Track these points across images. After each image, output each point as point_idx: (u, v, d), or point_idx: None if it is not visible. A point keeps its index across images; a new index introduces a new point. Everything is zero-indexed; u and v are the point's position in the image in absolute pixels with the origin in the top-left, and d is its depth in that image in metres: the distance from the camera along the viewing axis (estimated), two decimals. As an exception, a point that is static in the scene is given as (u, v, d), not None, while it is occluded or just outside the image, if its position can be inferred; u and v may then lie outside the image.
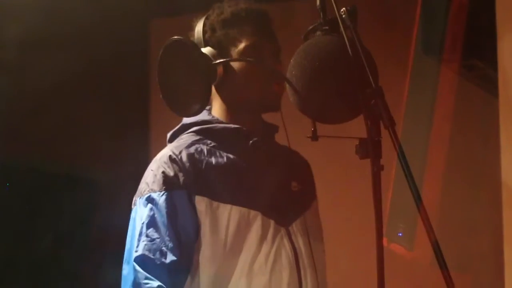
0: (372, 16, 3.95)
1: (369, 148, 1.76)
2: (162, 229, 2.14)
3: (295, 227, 2.23)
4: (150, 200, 2.18)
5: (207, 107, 2.34)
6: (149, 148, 4.69)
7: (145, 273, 2.09)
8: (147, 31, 4.81)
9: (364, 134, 1.77)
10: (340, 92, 1.85)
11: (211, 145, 2.26)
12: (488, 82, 3.71)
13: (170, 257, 2.12)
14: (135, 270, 2.11)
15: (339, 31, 1.86)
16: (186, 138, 2.30)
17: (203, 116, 2.31)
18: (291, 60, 1.94)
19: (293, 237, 2.21)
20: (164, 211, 2.15)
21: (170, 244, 2.13)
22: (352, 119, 1.90)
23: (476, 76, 3.85)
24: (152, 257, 2.11)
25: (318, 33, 1.95)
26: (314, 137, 1.96)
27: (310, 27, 1.97)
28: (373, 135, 1.76)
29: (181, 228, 2.15)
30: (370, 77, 1.79)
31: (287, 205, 2.24)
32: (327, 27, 1.93)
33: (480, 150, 3.98)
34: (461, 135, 4.06)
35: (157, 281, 2.08)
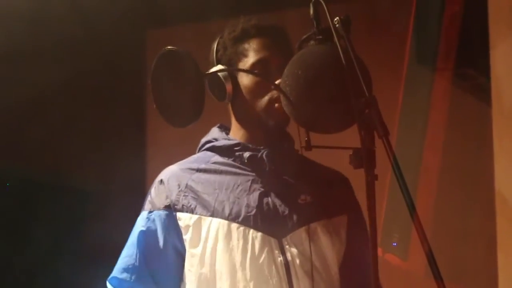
0: (365, 26, 3.96)
1: (363, 158, 1.75)
2: (131, 248, 2.24)
3: (292, 237, 2.22)
4: (137, 220, 2.28)
5: (226, 129, 2.38)
6: (145, 158, 4.69)
7: None
8: (143, 41, 4.81)
9: (358, 144, 1.77)
10: (333, 102, 1.85)
11: (212, 162, 2.29)
12: (481, 91, 3.72)
13: (134, 275, 2.21)
14: None
15: (332, 40, 1.86)
16: (196, 156, 2.36)
17: (214, 133, 2.36)
18: (285, 70, 1.94)
19: (286, 248, 2.20)
20: (138, 230, 2.24)
21: (135, 263, 2.22)
22: (346, 128, 1.90)
23: (469, 84, 3.86)
24: (120, 276, 2.22)
25: (312, 42, 1.95)
26: (308, 147, 1.95)
27: (304, 37, 1.97)
28: (367, 145, 1.76)
29: (151, 247, 2.22)
30: (364, 87, 1.78)
31: (285, 217, 2.23)
32: (320, 37, 1.93)
33: (473, 159, 3.98)
34: (455, 143, 4.06)
35: None
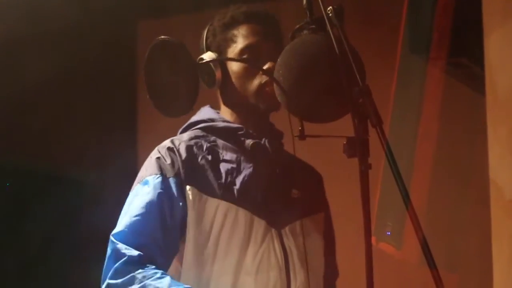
0: (358, 15, 3.95)
1: (357, 147, 1.75)
2: (148, 208, 2.15)
3: (289, 229, 2.23)
4: (145, 183, 2.20)
5: (217, 111, 2.36)
6: (136, 149, 4.68)
7: (124, 244, 2.10)
8: (135, 33, 4.80)
9: (351, 133, 1.77)
10: (327, 91, 1.85)
11: (212, 143, 2.27)
12: (475, 80, 3.71)
13: (147, 237, 2.13)
14: (112, 242, 2.12)
15: (325, 30, 1.86)
16: (190, 133, 2.31)
17: (210, 113, 2.34)
18: (278, 60, 1.94)
19: (284, 239, 2.21)
20: (153, 192, 2.16)
21: (152, 223, 2.14)
22: (340, 118, 1.90)
23: (463, 74, 3.86)
24: (130, 233, 2.12)
25: (305, 32, 1.95)
26: (302, 136, 1.96)
27: (297, 26, 1.97)
28: (361, 134, 1.76)
29: (167, 211, 2.16)
30: (357, 76, 1.79)
31: (283, 209, 2.24)
32: (313, 26, 1.93)
33: (467, 148, 3.98)
34: (449, 133, 4.06)
35: (136, 251, 2.09)
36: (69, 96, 4.43)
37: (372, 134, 1.75)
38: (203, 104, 2.38)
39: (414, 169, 3.93)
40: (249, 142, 2.25)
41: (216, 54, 2.28)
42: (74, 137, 4.41)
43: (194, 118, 2.35)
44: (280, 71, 1.92)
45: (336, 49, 1.81)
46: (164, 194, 2.16)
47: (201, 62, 2.24)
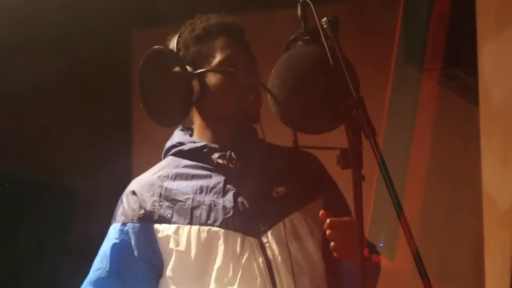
0: (353, 26, 3.96)
1: (351, 158, 1.75)
2: (104, 260, 2.20)
3: (272, 234, 2.20)
4: (108, 231, 2.25)
5: (188, 131, 2.35)
6: (131, 157, 4.68)
7: None
8: (129, 42, 4.81)
9: (345, 144, 1.77)
10: (321, 102, 1.85)
11: (181, 166, 2.26)
12: (469, 91, 3.72)
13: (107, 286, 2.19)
14: None
15: (320, 41, 1.86)
16: (163, 162, 2.32)
17: (179, 137, 2.32)
18: (272, 70, 1.93)
19: (266, 246, 2.19)
20: (108, 243, 2.21)
21: (108, 276, 2.18)
22: (334, 129, 1.90)
23: (457, 85, 3.87)
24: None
25: (299, 43, 1.95)
26: (295, 147, 1.95)
27: (291, 37, 1.97)
28: (355, 145, 1.76)
29: (124, 259, 2.19)
30: (351, 87, 1.79)
31: (262, 213, 2.22)
32: (308, 37, 1.93)
33: (461, 159, 3.99)
34: (442, 144, 4.07)
35: None
36: (64, 104, 4.43)
37: (366, 146, 1.75)
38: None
39: (408, 180, 3.94)
40: (214, 157, 2.24)
41: (191, 68, 2.23)
42: (68, 145, 4.41)
43: (167, 144, 2.34)
44: (274, 82, 1.92)
45: (330, 60, 1.82)
46: (126, 243, 2.20)
47: (194, 72, 2.22)
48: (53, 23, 3.89)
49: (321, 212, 2.07)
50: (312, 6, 1.88)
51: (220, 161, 2.22)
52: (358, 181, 1.75)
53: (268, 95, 1.94)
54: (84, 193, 4.59)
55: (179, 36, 2.29)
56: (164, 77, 2.19)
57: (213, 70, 2.22)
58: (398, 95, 3.91)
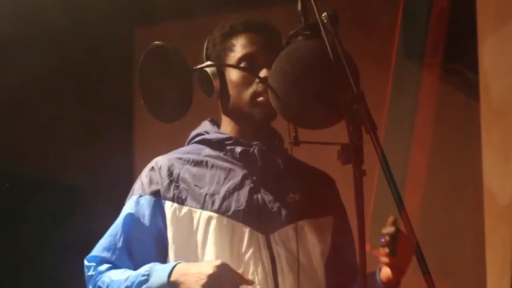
0: (353, 21, 3.96)
1: (351, 154, 1.75)
2: (116, 228, 2.26)
3: (280, 234, 2.23)
4: (125, 204, 2.29)
5: (216, 124, 2.40)
6: (132, 153, 4.68)
7: (87, 261, 2.24)
8: (131, 39, 4.81)
9: (346, 139, 1.77)
10: (321, 97, 1.85)
11: (203, 155, 2.30)
12: (469, 86, 3.73)
13: (115, 255, 2.22)
14: (85, 266, 2.24)
15: (320, 36, 1.86)
16: (187, 147, 2.37)
17: (206, 126, 2.37)
18: (273, 66, 1.94)
19: (273, 244, 2.21)
20: (125, 212, 2.26)
21: (118, 243, 2.23)
22: (334, 124, 1.90)
23: (457, 80, 3.87)
24: (100, 255, 2.24)
25: (300, 38, 1.95)
26: (296, 142, 1.96)
27: (292, 32, 1.97)
28: (355, 140, 1.76)
29: (136, 230, 2.24)
30: (352, 82, 1.78)
31: (275, 213, 2.24)
32: (308, 32, 1.93)
33: (461, 154, 3.99)
34: (443, 138, 4.07)
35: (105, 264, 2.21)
36: (65, 101, 4.42)
37: (367, 141, 1.75)
38: (205, 113, 2.39)
39: (408, 175, 3.93)
40: (237, 150, 2.27)
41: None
42: (70, 141, 4.41)
43: (193, 132, 2.39)
44: (274, 77, 1.92)
45: (331, 55, 1.82)
46: (134, 214, 2.24)
47: (195, 67, 2.24)
48: (55, 20, 3.89)
49: (391, 218, 2.12)
50: (312, 1, 1.88)
51: (243, 155, 2.26)
52: (359, 176, 1.75)
53: (269, 91, 1.94)
54: (85, 189, 4.60)
55: (211, 35, 2.36)
56: (164, 73, 2.19)
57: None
58: (398, 90, 3.91)
